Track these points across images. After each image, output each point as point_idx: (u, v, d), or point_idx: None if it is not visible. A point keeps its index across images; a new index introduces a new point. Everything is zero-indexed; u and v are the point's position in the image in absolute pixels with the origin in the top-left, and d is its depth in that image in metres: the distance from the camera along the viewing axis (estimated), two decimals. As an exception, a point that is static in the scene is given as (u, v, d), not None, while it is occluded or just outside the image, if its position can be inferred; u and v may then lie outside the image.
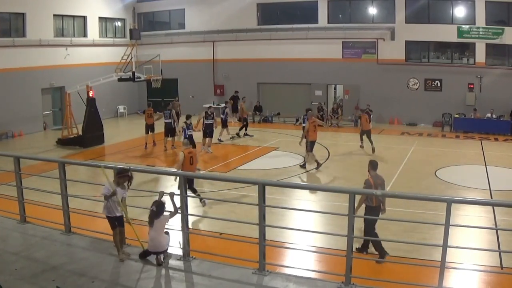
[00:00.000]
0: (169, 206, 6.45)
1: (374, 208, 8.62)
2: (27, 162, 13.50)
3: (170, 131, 19.36)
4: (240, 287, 5.81)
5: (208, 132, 18.61)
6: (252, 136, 22.25)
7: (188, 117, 17.26)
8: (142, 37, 28.07)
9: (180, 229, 6.59)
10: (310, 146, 16.24)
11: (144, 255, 6.48)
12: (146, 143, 19.88)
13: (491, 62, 23.99)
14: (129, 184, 6.76)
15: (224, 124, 20.99)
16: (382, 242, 8.79)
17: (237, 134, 22.08)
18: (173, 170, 14.33)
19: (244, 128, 22.29)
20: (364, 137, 18.85)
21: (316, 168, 16.10)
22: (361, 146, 18.97)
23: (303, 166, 16.39)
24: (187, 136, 16.45)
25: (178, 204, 6.43)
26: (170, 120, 19.27)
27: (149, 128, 20.01)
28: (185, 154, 11.86)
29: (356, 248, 8.93)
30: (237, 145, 19.56)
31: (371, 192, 7.43)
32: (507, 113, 22.92)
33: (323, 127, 19.59)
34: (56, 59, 24.75)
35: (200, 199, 11.82)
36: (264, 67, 27.71)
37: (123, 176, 6.60)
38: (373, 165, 9.05)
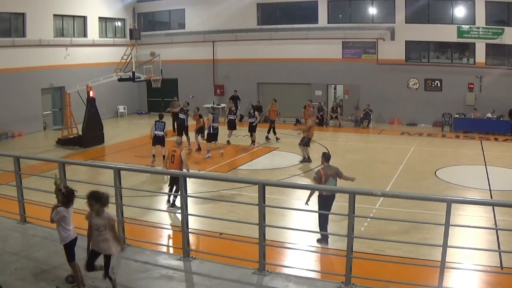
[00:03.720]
0: None
1: (325, 198, 9.32)
2: (27, 162, 13.51)
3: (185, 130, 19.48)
4: (240, 287, 5.80)
5: (231, 126, 19.96)
6: (269, 140, 21.34)
7: (161, 116, 17.27)
8: (142, 37, 28.08)
9: (180, 229, 6.58)
10: (308, 141, 16.92)
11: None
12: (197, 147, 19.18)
13: (491, 62, 23.99)
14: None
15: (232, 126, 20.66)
16: (381, 242, 8.80)
17: (267, 138, 21.38)
18: (172, 171, 14.36)
19: (271, 130, 21.48)
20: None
21: (302, 162, 16.92)
22: None
23: (306, 161, 16.91)
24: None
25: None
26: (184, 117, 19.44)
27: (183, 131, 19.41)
28: (169, 151, 12.06)
29: (317, 240, 9.69)
30: (237, 145, 19.55)
31: (370, 192, 7.41)
32: (507, 113, 22.91)
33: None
34: (56, 59, 24.74)
35: (171, 203, 12.01)
36: (264, 67, 27.71)
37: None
38: (325, 156, 10.04)
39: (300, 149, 17.21)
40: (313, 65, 26.58)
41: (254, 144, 19.93)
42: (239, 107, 26.34)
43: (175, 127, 23.89)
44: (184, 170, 11.67)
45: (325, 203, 9.35)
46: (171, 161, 11.95)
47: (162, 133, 16.78)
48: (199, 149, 18.85)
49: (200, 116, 19.04)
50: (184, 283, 6.05)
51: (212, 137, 17.93)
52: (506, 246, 9.48)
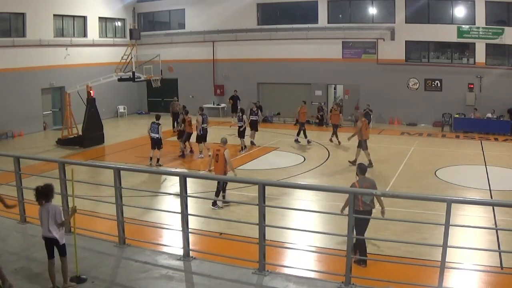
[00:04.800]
0: None
1: (360, 213, 8.20)
2: (27, 162, 13.50)
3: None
4: (240, 287, 5.81)
5: (254, 126, 20.06)
6: (299, 142, 20.70)
7: (157, 117, 16.74)
8: (142, 37, 28.10)
9: (180, 229, 6.58)
10: (363, 144, 16.31)
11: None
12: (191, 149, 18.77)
13: (491, 62, 24.00)
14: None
15: (254, 127, 20.43)
16: (381, 242, 8.79)
17: (308, 141, 20.57)
18: (172, 170, 14.38)
19: (302, 132, 20.63)
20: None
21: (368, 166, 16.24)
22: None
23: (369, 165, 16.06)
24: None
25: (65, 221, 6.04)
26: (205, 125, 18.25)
27: (188, 136, 18.48)
28: (214, 150, 12.17)
29: (354, 260, 8.48)
30: (237, 145, 19.53)
31: (370, 192, 7.42)
32: (507, 113, 22.89)
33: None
34: (56, 59, 24.74)
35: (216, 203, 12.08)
36: (264, 67, 27.70)
37: (53, 190, 6.10)
38: (361, 168, 8.93)
39: (365, 154, 16.31)
40: (313, 65, 26.58)
41: (243, 150, 19.01)
42: (239, 107, 26.36)
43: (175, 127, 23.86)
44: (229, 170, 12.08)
45: (361, 219, 8.13)
46: (215, 160, 12.09)
47: (157, 135, 16.37)
48: (191, 151, 18.74)
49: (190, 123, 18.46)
50: (184, 283, 6.05)
51: (201, 138, 17.86)
52: (506, 246, 9.47)
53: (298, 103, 27.02)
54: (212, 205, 12.13)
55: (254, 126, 20.33)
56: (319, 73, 26.60)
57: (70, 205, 6.19)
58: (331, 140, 20.57)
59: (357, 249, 8.37)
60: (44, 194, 5.96)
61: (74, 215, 6.12)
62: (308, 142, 20.49)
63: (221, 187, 12.22)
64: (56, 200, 7.87)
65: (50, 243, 5.89)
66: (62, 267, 5.85)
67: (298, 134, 20.77)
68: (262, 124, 26.69)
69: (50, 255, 5.87)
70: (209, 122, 18.22)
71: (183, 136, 18.41)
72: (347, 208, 8.04)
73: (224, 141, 12.46)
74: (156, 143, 16.52)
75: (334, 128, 20.58)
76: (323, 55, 26.36)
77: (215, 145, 12.57)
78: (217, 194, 12.19)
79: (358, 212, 8.11)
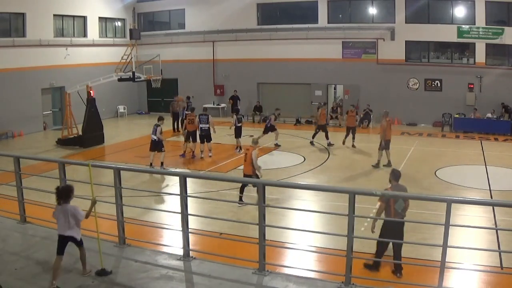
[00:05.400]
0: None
1: (391, 222, 7.90)
2: (27, 162, 13.50)
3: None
4: (240, 287, 5.81)
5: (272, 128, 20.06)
6: (313, 144, 20.27)
7: (158, 118, 16.44)
8: (142, 37, 28.11)
9: (180, 229, 6.58)
10: (386, 144, 16.25)
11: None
12: (193, 152, 18.18)
13: (491, 62, 23.99)
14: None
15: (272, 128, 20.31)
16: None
17: (329, 143, 20.08)
18: (172, 170, 14.37)
19: (314, 135, 20.40)
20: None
21: (374, 166, 16.35)
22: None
23: (387, 165, 16.12)
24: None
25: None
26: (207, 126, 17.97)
27: (191, 135, 18.10)
28: (244, 150, 12.47)
29: (364, 264, 8.44)
30: (233, 145, 19.53)
31: (370, 192, 7.42)
32: (506, 112, 22.88)
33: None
34: (56, 59, 24.74)
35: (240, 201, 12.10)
36: (264, 67, 27.70)
37: (73, 192, 6.23)
38: (394, 174, 8.44)
39: (386, 154, 16.29)
40: (313, 65, 26.58)
41: (237, 149, 18.92)
42: (239, 107, 26.39)
43: (175, 127, 23.90)
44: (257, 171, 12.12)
45: (391, 226, 7.96)
46: (244, 159, 12.33)
47: (155, 137, 15.96)
48: (193, 156, 18.32)
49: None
50: (184, 283, 6.05)
51: (200, 138, 17.85)
52: (506, 246, 9.47)
53: (298, 103, 27.29)
54: (238, 202, 12.07)
55: (272, 128, 20.35)
56: (319, 73, 26.60)
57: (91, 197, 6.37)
58: (343, 143, 19.70)
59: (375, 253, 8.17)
60: (63, 194, 6.10)
61: (94, 206, 6.26)
62: (312, 144, 20.33)
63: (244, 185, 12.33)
64: (56, 200, 7.91)
65: (65, 240, 6.06)
66: (80, 256, 6.12)
67: (313, 137, 20.32)
68: (262, 124, 26.72)
69: (60, 252, 6.01)
70: (211, 123, 17.88)
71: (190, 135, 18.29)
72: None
73: (254, 142, 12.61)
74: (154, 145, 16.10)
75: (350, 131, 19.51)
76: (323, 55, 26.36)
77: (246, 145, 12.69)
78: (241, 191, 12.27)
79: (389, 222, 7.94)
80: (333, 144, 19.90)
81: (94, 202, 6.26)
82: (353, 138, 19.54)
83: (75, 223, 6.06)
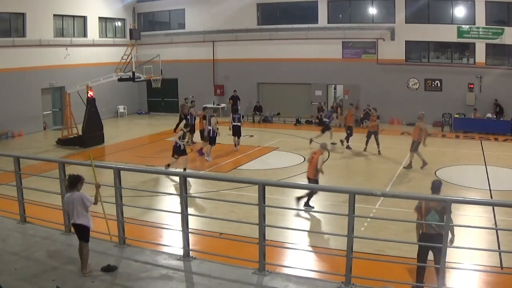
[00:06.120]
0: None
1: (423, 236, 7.19)
2: (27, 162, 13.50)
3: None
4: (240, 287, 5.81)
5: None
6: (351, 148, 19.47)
7: (186, 126, 16.18)
8: (142, 37, 28.11)
9: (180, 229, 6.58)
10: (417, 146, 16.09)
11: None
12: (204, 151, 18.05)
13: (491, 62, 23.98)
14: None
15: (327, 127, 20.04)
16: (381, 242, 8.79)
17: (341, 142, 19.75)
18: (172, 170, 14.36)
19: (347, 137, 19.76)
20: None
21: (406, 167, 16.14)
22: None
23: (424, 165, 16.00)
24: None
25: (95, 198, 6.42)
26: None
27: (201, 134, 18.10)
28: (311, 153, 12.22)
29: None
30: (229, 145, 19.54)
31: (370, 192, 7.41)
32: (507, 113, 22.89)
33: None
34: (56, 59, 24.73)
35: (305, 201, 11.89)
36: (264, 67, 27.70)
37: (83, 182, 6.43)
38: (433, 186, 7.68)
39: (417, 155, 16.10)
40: (313, 65, 26.58)
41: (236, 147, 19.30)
42: (239, 107, 26.39)
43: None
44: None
45: (423, 240, 7.18)
46: (309, 162, 12.09)
47: (179, 142, 15.15)
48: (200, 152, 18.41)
49: (204, 118, 18.51)
50: (184, 283, 6.05)
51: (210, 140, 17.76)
52: (506, 246, 9.47)
53: (298, 103, 27.28)
54: (305, 207, 11.87)
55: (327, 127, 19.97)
56: (319, 73, 26.60)
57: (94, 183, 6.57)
58: (365, 150, 18.89)
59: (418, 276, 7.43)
60: (70, 182, 6.38)
61: (99, 190, 6.46)
62: (347, 147, 19.55)
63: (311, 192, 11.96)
64: (57, 200, 7.92)
65: (78, 228, 6.27)
66: (83, 253, 6.16)
67: (347, 140, 19.66)
68: (262, 124, 26.78)
69: (79, 238, 6.26)
70: (215, 123, 17.72)
71: (203, 135, 18.15)
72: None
73: (323, 146, 12.36)
74: (177, 151, 15.26)
75: (373, 136, 18.55)
76: (323, 55, 26.36)
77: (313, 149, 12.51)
78: (310, 196, 11.91)
79: (422, 235, 7.26)
80: (351, 148, 19.36)
81: (98, 187, 6.42)
82: (377, 144, 18.65)
83: (84, 210, 6.23)
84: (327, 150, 12.21)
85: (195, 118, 20.41)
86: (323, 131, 20.12)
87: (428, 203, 7.27)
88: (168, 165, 15.30)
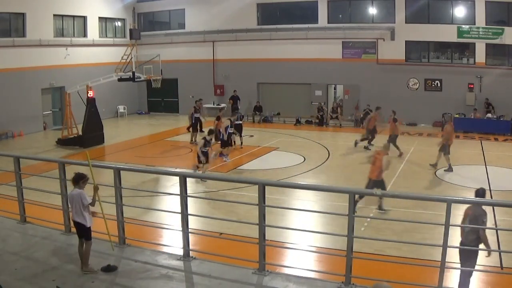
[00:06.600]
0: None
1: (462, 245, 7.07)
2: (27, 162, 13.50)
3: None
4: (240, 287, 5.81)
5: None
6: (370, 150, 18.79)
7: (210, 132, 15.61)
8: (142, 37, 28.11)
9: (180, 229, 6.58)
10: (448, 148, 15.82)
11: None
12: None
13: (491, 62, 23.98)
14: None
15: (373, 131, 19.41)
16: (381, 242, 8.78)
17: (365, 147, 19.36)
18: (172, 170, 14.36)
19: (369, 140, 19.41)
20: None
21: (446, 170, 15.72)
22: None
23: (448, 169, 15.76)
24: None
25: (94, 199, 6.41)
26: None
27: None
28: (374, 154, 12.06)
29: None
30: (236, 146, 19.55)
31: (370, 192, 7.43)
32: (507, 113, 22.88)
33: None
34: (56, 59, 24.73)
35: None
36: (264, 67, 27.70)
37: (86, 181, 6.46)
38: (477, 194, 7.81)
39: (445, 158, 15.77)
40: (313, 65, 26.58)
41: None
42: (239, 107, 26.40)
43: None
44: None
45: (468, 252, 7.01)
46: (373, 163, 11.87)
47: (205, 150, 14.78)
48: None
49: (218, 118, 18.58)
50: (184, 283, 6.06)
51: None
52: (506, 246, 9.47)
53: (298, 103, 27.28)
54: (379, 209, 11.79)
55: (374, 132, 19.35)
56: (319, 73, 26.60)
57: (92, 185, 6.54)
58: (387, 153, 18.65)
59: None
60: (74, 179, 6.44)
61: (97, 192, 6.42)
62: (367, 148, 19.21)
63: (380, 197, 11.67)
64: (56, 201, 7.93)
65: (78, 226, 6.34)
66: (84, 250, 6.20)
67: (369, 142, 19.38)
68: (262, 124, 26.78)
69: (79, 236, 6.36)
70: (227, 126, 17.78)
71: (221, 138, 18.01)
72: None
73: (385, 147, 12.26)
74: (204, 156, 14.87)
75: (392, 140, 17.82)
76: (323, 55, 26.36)
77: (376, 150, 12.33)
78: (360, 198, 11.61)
79: (462, 245, 7.13)
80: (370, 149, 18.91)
81: (96, 189, 6.40)
82: (370, 141, 18.62)
83: (82, 208, 6.27)
84: (388, 150, 11.99)
85: (196, 117, 20.64)
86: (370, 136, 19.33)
87: (468, 210, 7.35)
88: (196, 168, 14.89)
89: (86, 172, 6.66)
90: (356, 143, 19.63)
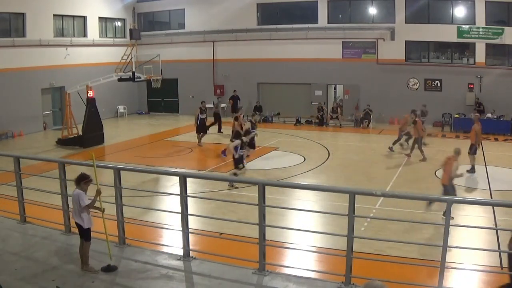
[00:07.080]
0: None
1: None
2: (27, 162, 13.49)
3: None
4: (240, 287, 5.81)
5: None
6: (393, 151, 18.80)
7: (247, 133, 15.28)
8: (142, 37, 28.11)
9: (180, 229, 6.58)
10: (474, 149, 15.60)
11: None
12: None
13: (491, 62, 23.98)
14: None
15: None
16: (381, 242, 8.78)
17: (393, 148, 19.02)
18: (172, 170, 14.37)
19: (396, 142, 19.11)
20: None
21: (469, 171, 15.31)
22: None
23: (471, 171, 15.43)
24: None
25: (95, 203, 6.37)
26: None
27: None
28: (446, 158, 11.77)
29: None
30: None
31: (370, 192, 7.41)
32: (507, 113, 22.88)
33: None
34: (56, 59, 24.73)
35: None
36: (264, 67, 27.70)
37: (88, 182, 6.41)
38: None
39: (469, 159, 15.50)
40: (313, 65, 26.58)
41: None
42: (239, 107, 26.39)
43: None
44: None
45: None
46: (444, 169, 11.63)
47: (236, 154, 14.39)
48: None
49: (236, 119, 18.59)
50: (184, 283, 6.05)
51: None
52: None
53: (298, 103, 27.27)
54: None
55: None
56: (319, 73, 26.59)
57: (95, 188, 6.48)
58: (409, 155, 17.57)
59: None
60: (76, 179, 6.43)
61: (100, 196, 6.35)
62: (391, 149, 18.93)
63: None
64: (56, 201, 7.93)
65: (77, 226, 6.35)
66: (83, 250, 6.21)
67: (394, 143, 19.06)
68: (262, 124, 26.74)
69: (80, 236, 6.33)
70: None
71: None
72: None
73: (457, 152, 11.86)
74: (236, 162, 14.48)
75: (418, 142, 17.62)
76: (323, 55, 26.36)
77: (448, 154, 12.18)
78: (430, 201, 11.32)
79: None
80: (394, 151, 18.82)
81: (99, 193, 6.34)
82: (395, 142, 18.52)
83: (79, 209, 6.27)
84: (459, 154, 11.67)
85: (201, 118, 20.51)
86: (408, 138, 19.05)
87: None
88: (235, 174, 14.23)
89: (89, 172, 6.63)
90: (405, 150, 18.74)
